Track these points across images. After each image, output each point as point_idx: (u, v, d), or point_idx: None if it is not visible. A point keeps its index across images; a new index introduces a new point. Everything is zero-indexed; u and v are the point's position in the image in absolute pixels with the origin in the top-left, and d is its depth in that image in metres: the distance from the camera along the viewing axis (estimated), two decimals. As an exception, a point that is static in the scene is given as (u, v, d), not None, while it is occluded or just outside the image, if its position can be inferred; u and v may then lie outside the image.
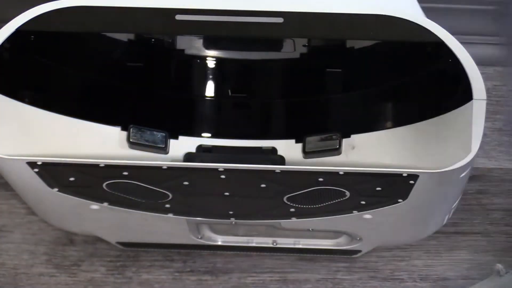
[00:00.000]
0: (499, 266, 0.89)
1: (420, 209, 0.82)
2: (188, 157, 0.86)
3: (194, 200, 0.82)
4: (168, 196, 0.80)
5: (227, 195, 0.79)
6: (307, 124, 0.89)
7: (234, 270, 0.98)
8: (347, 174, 0.73)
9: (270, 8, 0.74)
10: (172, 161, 0.85)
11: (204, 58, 0.91)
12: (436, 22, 0.74)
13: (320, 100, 0.90)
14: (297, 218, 0.83)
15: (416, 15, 0.74)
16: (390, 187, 0.76)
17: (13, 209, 1.02)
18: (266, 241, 0.94)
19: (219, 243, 0.94)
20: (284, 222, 0.86)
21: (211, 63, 0.91)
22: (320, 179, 0.74)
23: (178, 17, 0.74)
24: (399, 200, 0.78)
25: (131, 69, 0.90)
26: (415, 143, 0.83)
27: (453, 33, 0.74)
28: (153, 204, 0.81)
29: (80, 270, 0.97)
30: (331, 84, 0.90)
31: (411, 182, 0.73)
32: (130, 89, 0.90)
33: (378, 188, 0.76)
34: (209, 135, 0.89)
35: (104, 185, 0.78)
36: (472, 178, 1.01)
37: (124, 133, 0.85)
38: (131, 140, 0.85)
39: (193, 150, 0.87)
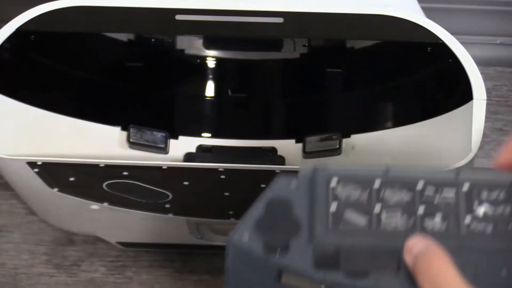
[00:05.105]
0: None
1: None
2: (188, 157, 0.86)
3: (194, 200, 0.82)
4: (168, 196, 0.80)
5: (227, 195, 0.79)
6: (307, 124, 0.89)
7: (234, 270, 0.98)
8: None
9: (270, 8, 0.74)
10: (172, 161, 0.85)
11: (204, 58, 0.91)
12: (436, 22, 0.74)
13: (320, 100, 0.90)
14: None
15: (416, 15, 0.74)
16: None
17: (13, 209, 1.02)
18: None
19: (219, 243, 0.94)
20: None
21: (211, 63, 0.91)
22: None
23: (178, 17, 0.74)
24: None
25: (131, 69, 0.89)
26: (415, 143, 0.83)
27: (453, 33, 0.74)
28: (153, 204, 0.81)
29: (80, 270, 0.97)
30: (331, 84, 0.90)
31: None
32: (130, 89, 0.90)
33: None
34: (209, 135, 0.89)
35: (104, 185, 0.78)
36: (472, 178, 1.00)
37: (124, 133, 0.85)
38: (131, 140, 0.85)
39: (193, 150, 0.87)
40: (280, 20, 0.74)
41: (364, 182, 0.48)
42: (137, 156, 0.85)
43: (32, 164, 0.74)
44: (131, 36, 0.89)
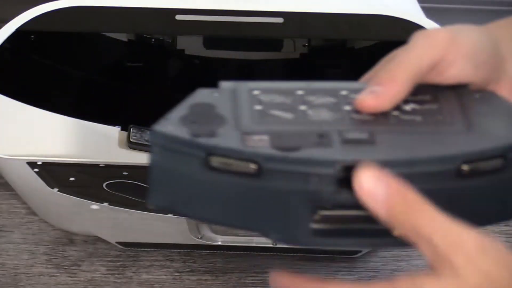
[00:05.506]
0: None
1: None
2: (188, 157, 0.86)
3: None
4: (168, 196, 0.80)
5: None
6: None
7: (234, 270, 0.98)
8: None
9: (270, 8, 0.74)
10: (172, 161, 0.85)
11: (204, 58, 0.91)
12: (436, 22, 0.74)
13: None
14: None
15: (416, 15, 0.74)
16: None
17: (13, 209, 1.02)
18: (266, 241, 0.94)
19: (219, 243, 0.94)
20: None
21: (211, 63, 0.91)
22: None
23: (178, 17, 0.74)
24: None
25: (131, 69, 0.90)
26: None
27: (453, 33, 0.74)
28: (153, 204, 0.81)
29: (80, 270, 0.97)
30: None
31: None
32: (130, 89, 0.90)
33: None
34: (209, 135, 0.89)
35: (104, 185, 0.78)
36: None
37: (124, 133, 0.85)
38: (131, 140, 0.85)
39: (193, 150, 0.87)
40: (280, 20, 0.74)
41: (286, 92, 0.48)
42: (137, 156, 0.85)
43: (32, 164, 0.74)
44: (131, 36, 0.89)
